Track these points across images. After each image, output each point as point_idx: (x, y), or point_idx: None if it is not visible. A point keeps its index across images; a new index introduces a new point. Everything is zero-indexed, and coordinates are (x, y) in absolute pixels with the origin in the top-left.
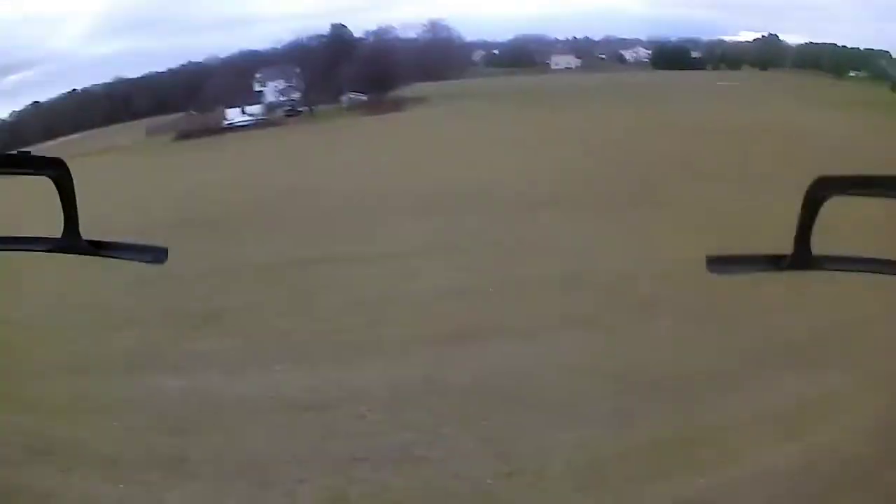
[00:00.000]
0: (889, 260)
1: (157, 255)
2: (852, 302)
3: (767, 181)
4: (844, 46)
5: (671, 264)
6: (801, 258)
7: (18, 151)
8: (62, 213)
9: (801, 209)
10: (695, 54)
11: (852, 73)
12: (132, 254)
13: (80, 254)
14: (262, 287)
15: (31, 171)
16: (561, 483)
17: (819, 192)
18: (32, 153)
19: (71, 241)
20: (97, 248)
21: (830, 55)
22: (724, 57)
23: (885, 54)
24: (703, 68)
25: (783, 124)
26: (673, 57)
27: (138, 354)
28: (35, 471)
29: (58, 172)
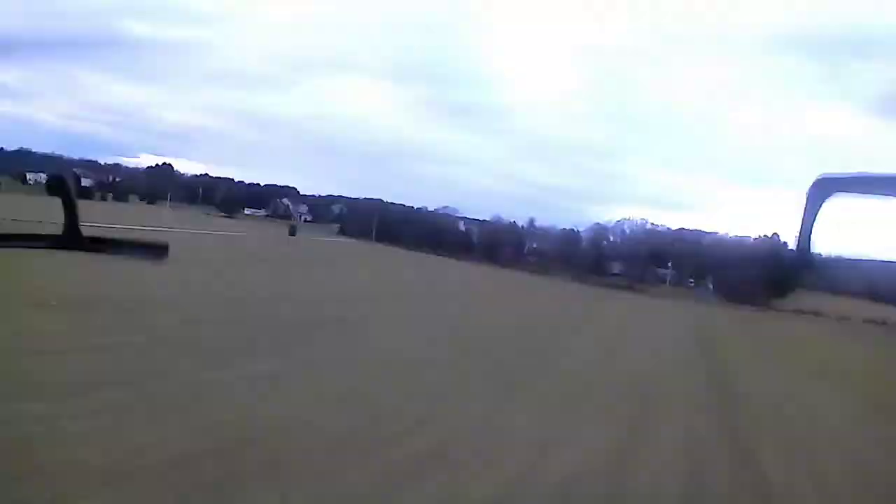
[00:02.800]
0: (889, 260)
1: (157, 254)
2: None
3: None
4: None
5: None
6: (802, 257)
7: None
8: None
9: (803, 210)
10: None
11: None
12: (133, 252)
13: (81, 251)
14: None
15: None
16: None
17: (820, 191)
18: None
19: (73, 239)
20: (98, 246)
21: None
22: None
23: None
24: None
25: None
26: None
27: None
28: None
29: (57, 175)
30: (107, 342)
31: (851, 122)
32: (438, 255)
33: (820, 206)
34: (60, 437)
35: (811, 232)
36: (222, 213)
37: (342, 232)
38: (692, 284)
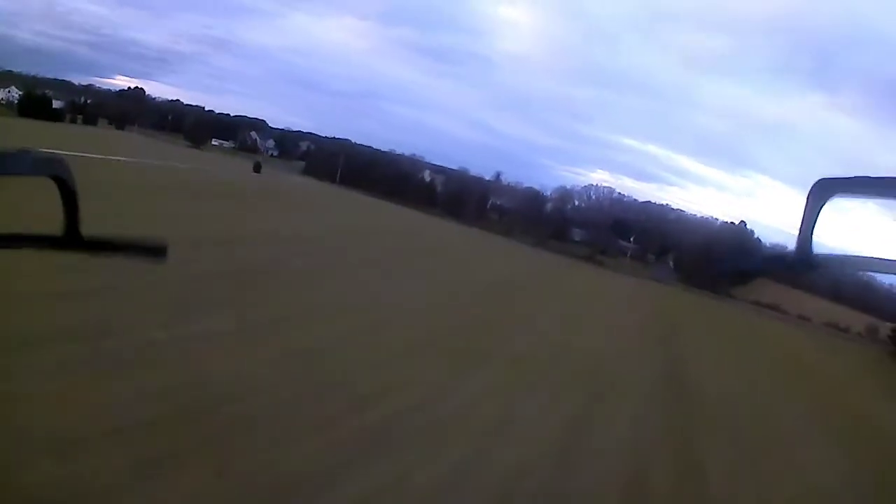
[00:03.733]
0: (890, 260)
1: (158, 253)
2: None
3: None
4: None
5: None
6: (802, 257)
7: (18, 150)
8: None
9: (804, 211)
10: (57, 104)
11: None
12: (133, 252)
13: (81, 251)
14: None
15: (31, 171)
16: None
17: (821, 193)
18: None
19: (72, 239)
20: (98, 247)
21: None
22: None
23: None
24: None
25: None
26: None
27: None
28: None
29: (58, 170)
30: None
31: (835, 116)
32: (401, 204)
33: (821, 208)
34: None
35: (812, 234)
36: (189, 143)
37: (307, 171)
38: (653, 260)
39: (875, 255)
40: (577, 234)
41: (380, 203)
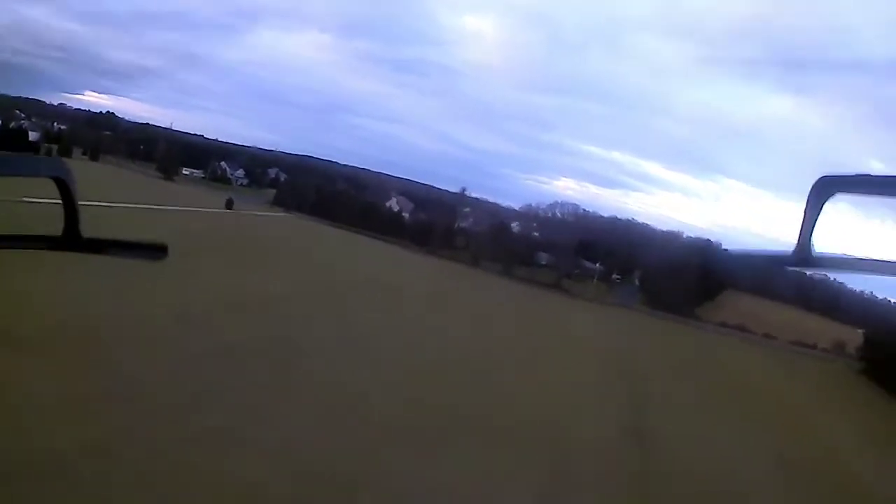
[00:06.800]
0: (889, 261)
1: (157, 254)
2: None
3: None
4: None
5: None
6: (803, 257)
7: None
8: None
9: (805, 209)
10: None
11: None
12: (133, 253)
13: (81, 252)
14: None
15: (31, 173)
16: None
17: (822, 191)
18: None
19: (72, 240)
20: (98, 247)
21: None
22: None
23: None
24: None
25: None
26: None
27: None
28: None
29: (58, 171)
30: None
31: (804, 119)
32: (370, 235)
33: (821, 206)
34: None
35: (812, 232)
36: (161, 175)
37: (277, 200)
38: (619, 280)
39: (875, 256)
40: (542, 257)
41: (349, 238)
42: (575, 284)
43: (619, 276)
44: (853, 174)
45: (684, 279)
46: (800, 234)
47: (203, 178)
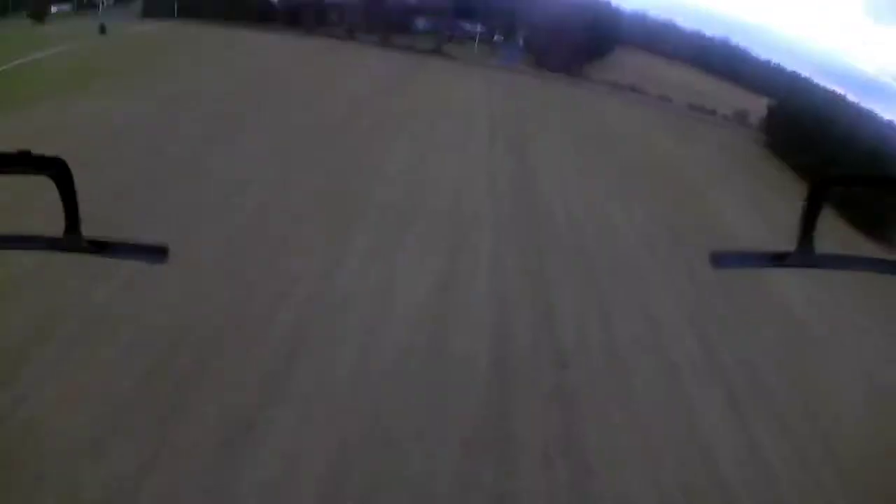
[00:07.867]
0: (889, 259)
1: (157, 255)
2: None
3: None
4: None
5: None
6: (804, 256)
7: (18, 151)
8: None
9: (805, 207)
10: None
11: None
12: (133, 254)
13: (81, 253)
14: None
15: (32, 170)
16: None
17: (822, 190)
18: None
19: (72, 241)
20: (98, 248)
21: None
22: None
23: None
24: None
25: None
26: None
27: None
28: None
29: (58, 171)
30: None
31: None
32: (242, 27)
33: (821, 205)
34: None
35: (812, 231)
36: (33, 19)
37: (146, 12)
38: (502, 41)
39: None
40: (420, 23)
41: (218, 32)
42: (456, 48)
43: (501, 37)
44: (852, 173)
45: (571, 37)
46: (801, 233)
47: (73, 9)
